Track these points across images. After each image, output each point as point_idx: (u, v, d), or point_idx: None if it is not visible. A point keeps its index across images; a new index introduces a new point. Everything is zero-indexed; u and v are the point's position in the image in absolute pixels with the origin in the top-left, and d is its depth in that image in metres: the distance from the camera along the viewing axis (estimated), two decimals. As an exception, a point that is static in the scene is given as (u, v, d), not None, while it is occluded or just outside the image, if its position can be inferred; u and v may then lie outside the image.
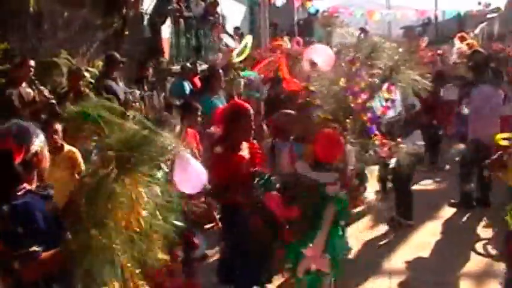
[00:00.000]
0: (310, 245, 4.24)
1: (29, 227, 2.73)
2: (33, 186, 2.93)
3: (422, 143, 7.43)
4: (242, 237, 4.57)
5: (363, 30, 17.50)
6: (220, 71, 9.40)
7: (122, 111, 3.43)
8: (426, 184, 9.82)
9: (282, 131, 5.43)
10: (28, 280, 2.69)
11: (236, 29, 19.59)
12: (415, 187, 9.18)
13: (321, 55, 4.72)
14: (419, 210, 7.97)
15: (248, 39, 11.72)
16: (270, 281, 5.01)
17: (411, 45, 4.85)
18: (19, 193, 2.82)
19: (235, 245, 4.66)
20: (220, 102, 8.34)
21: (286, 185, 4.43)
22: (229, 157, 4.61)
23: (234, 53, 11.42)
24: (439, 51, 17.47)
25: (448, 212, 8.10)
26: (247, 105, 5.07)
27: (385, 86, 4.27)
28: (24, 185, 2.88)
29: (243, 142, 4.85)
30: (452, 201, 8.33)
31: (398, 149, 4.49)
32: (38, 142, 3.00)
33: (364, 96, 4.25)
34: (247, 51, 11.34)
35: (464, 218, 7.81)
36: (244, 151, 4.81)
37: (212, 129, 5.24)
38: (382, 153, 4.43)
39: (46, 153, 3.09)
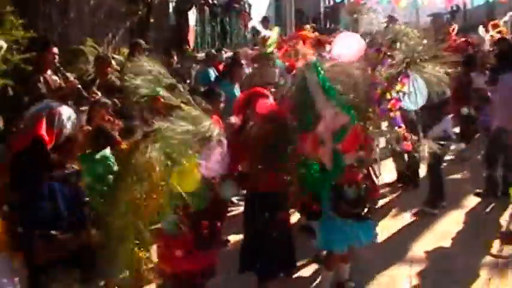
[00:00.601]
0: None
1: (51, 210, 2.78)
2: (62, 170, 2.97)
3: (453, 130, 7.37)
4: (267, 224, 4.57)
5: (391, 18, 17.10)
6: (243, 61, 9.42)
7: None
8: (452, 173, 9.71)
9: None
10: (45, 260, 2.74)
11: (265, 18, 19.52)
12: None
13: (348, 45, 4.65)
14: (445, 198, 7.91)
15: (276, 31, 11.68)
16: (294, 269, 5.00)
17: (439, 33, 4.79)
18: (47, 177, 2.86)
19: (260, 232, 4.65)
20: (237, 92, 8.34)
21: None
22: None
23: (269, 43, 11.39)
24: (470, 39, 17.18)
25: (472, 201, 8.01)
26: (264, 90, 5.05)
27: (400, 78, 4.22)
28: (54, 169, 2.93)
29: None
30: (477, 190, 8.23)
31: (421, 144, 4.47)
32: (70, 124, 3.06)
33: (382, 87, 4.21)
34: (274, 42, 11.30)
35: (489, 208, 7.71)
36: None
37: (232, 118, 5.21)
38: (404, 146, 4.40)
39: (79, 134, 3.12)
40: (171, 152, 2.89)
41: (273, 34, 11.45)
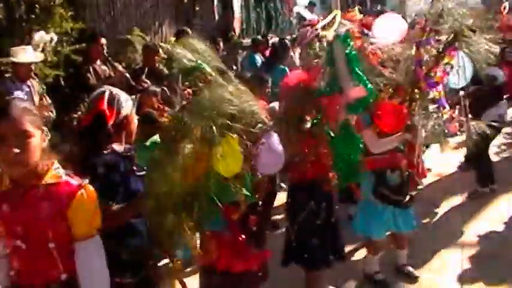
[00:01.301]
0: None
1: (107, 183, 2.96)
2: (120, 147, 3.15)
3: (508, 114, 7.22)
4: (312, 217, 4.53)
5: None
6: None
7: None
8: (507, 156, 9.50)
9: None
10: (104, 230, 2.86)
11: (310, 3, 19.38)
12: (497, 157, 8.95)
13: (389, 26, 4.57)
14: (497, 182, 7.76)
15: (337, 13, 11.52)
16: (342, 259, 4.93)
17: (489, 12, 4.66)
18: (105, 151, 3.06)
19: (306, 225, 4.59)
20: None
21: None
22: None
23: (319, 26, 11.25)
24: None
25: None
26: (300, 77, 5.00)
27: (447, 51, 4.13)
28: (113, 145, 3.10)
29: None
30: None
31: (470, 125, 4.38)
32: (128, 106, 3.24)
33: (429, 64, 4.13)
34: (335, 26, 11.14)
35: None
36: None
37: (274, 104, 5.17)
38: (450, 128, 4.32)
39: (134, 116, 3.32)
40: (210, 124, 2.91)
41: (330, 16, 11.33)
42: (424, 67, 4.14)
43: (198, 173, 2.95)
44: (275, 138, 3.38)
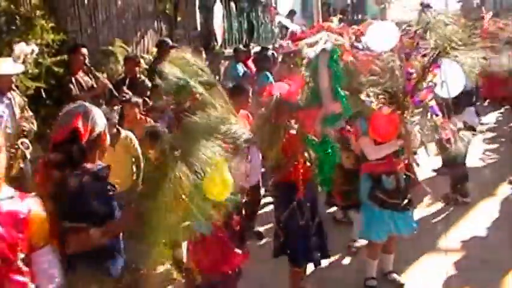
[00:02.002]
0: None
1: (80, 204, 2.92)
2: (93, 165, 3.09)
3: (477, 120, 7.32)
4: (295, 216, 4.61)
5: (424, 5, 16.61)
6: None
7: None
8: (487, 161, 9.61)
9: None
10: (73, 253, 2.85)
11: (292, 12, 19.44)
12: (475, 164, 9.05)
13: (383, 34, 4.61)
14: (478, 187, 7.83)
15: (325, 35, 11.53)
16: (326, 257, 5.03)
17: (468, 19, 4.72)
18: (78, 171, 2.98)
19: (289, 224, 4.69)
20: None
21: None
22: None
23: (304, 42, 11.27)
24: (501, 25, 16.82)
25: (507, 189, 7.91)
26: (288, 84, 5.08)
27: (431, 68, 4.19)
28: (86, 163, 3.05)
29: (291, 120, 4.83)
30: None
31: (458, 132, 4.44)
32: (102, 123, 3.19)
33: (415, 76, 4.19)
34: (320, 45, 11.16)
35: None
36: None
37: (264, 109, 5.25)
38: (444, 135, 4.37)
39: (107, 134, 3.28)
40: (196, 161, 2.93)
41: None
42: (411, 79, 4.19)
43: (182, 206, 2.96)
44: (256, 153, 3.47)
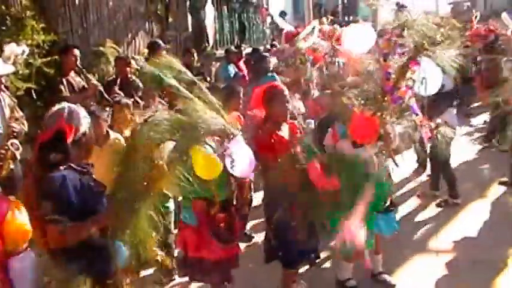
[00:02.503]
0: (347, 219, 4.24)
1: (62, 198, 2.98)
2: (77, 164, 3.17)
3: (456, 122, 7.36)
4: (286, 218, 4.59)
5: (399, 5, 16.70)
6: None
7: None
8: (477, 162, 9.65)
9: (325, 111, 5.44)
10: (56, 247, 2.92)
11: (282, 13, 19.48)
12: (466, 165, 9.09)
13: (357, 37, 4.62)
14: (469, 188, 7.87)
15: (315, 25, 11.52)
16: (317, 258, 5.03)
17: (458, 21, 4.72)
18: (62, 167, 3.07)
19: (280, 225, 4.67)
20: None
21: (329, 158, 4.44)
22: (267, 137, 4.62)
23: (300, 37, 11.27)
24: (491, 27, 16.91)
25: (498, 190, 7.94)
26: (281, 86, 5.08)
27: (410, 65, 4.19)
28: (71, 164, 3.13)
29: (282, 123, 4.84)
30: (502, 179, 8.15)
31: (438, 130, 4.44)
32: (86, 123, 3.27)
33: (393, 76, 4.18)
34: (314, 38, 11.13)
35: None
36: (284, 132, 4.82)
37: (254, 111, 5.26)
38: (423, 134, 4.36)
39: (92, 134, 3.37)
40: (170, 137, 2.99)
41: (309, 28, 11.35)
42: (390, 79, 4.18)
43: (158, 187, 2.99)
44: (240, 142, 3.49)
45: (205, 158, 3.07)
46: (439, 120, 6.10)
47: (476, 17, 16.16)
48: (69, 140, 3.11)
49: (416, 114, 4.32)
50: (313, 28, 10.94)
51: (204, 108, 3.34)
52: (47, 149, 3.10)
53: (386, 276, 5.43)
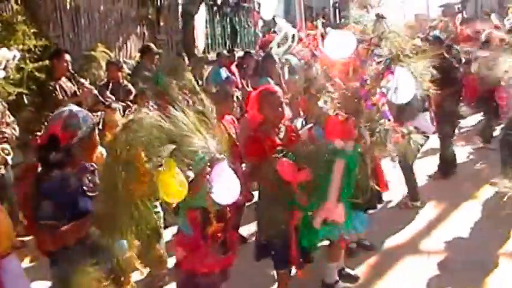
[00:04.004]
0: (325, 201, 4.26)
1: (54, 202, 3.03)
2: (72, 168, 3.19)
3: (430, 125, 7.40)
4: (277, 220, 4.58)
5: (378, 16, 16.70)
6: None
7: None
8: (469, 163, 9.70)
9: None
10: (49, 249, 3.00)
11: (274, 17, 19.50)
12: (459, 166, 9.12)
13: (339, 43, 4.64)
14: (459, 189, 7.91)
15: (293, 32, 11.57)
16: (309, 261, 5.01)
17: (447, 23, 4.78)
18: (56, 172, 3.11)
19: (272, 227, 4.66)
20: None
21: (298, 153, 4.46)
22: (259, 140, 4.61)
23: (274, 43, 11.32)
24: (478, 29, 17.06)
25: (489, 191, 7.98)
26: (274, 88, 5.08)
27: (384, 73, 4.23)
28: (64, 168, 3.15)
29: (278, 125, 4.83)
30: (494, 180, 8.18)
31: (408, 137, 4.46)
32: (85, 128, 3.26)
33: (368, 83, 4.22)
34: (292, 45, 11.17)
35: (506, 198, 7.64)
36: (280, 134, 4.80)
37: (247, 115, 5.27)
38: (394, 139, 4.38)
39: (95, 137, 3.38)
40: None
41: (281, 34, 11.41)
42: (365, 86, 4.23)
43: (142, 192, 2.98)
44: (225, 168, 3.49)
45: (173, 179, 3.05)
46: (411, 127, 6.18)
47: (458, 19, 16.38)
48: (64, 144, 3.13)
49: (388, 120, 4.35)
50: (293, 36, 11.00)
51: (197, 123, 3.32)
52: (43, 152, 3.14)
53: (349, 270, 5.50)
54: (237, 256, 4.40)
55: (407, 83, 4.25)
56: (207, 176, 3.40)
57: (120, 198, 2.88)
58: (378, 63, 4.23)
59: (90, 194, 3.20)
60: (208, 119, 3.56)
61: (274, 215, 4.51)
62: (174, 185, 3.00)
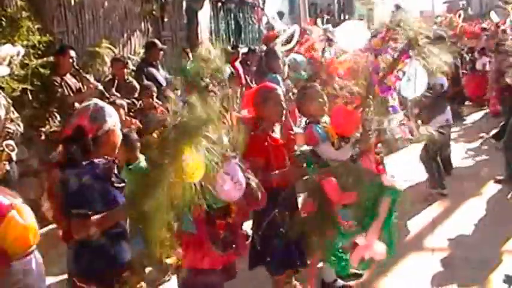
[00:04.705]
0: (364, 234, 4.23)
1: (83, 193, 3.10)
2: (99, 159, 3.27)
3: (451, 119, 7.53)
4: (276, 224, 4.54)
5: (397, 6, 16.98)
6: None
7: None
8: (472, 160, 9.70)
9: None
10: (80, 238, 3.06)
11: (280, 13, 19.48)
12: (460, 163, 9.13)
13: (352, 34, 4.60)
14: (464, 186, 7.91)
15: (295, 29, 11.53)
16: (305, 266, 4.95)
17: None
18: (84, 163, 3.19)
19: (269, 232, 4.61)
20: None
21: (337, 170, 4.41)
22: (261, 139, 4.57)
23: (279, 41, 11.28)
24: (484, 25, 17.04)
25: (493, 188, 7.98)
26: (274, 86, 5.00)
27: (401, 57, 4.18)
28: (92, 159, 3.25)
29: (276, 124, 4.78)
30: (498, 177, 8.19)
31: (421, 131, 4.44)
32: (111, 121, 3.36)
33: (384, 69, 4.19)
34: (294, 42, 11.15)
35: (510, 195, 7.64)
36: (277, 133, 4.76)
37: (244, 112, 5.20)
38: (401, 132, 4.35)
39: (118, 131, 3.46)
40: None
41: (288, 31, 11.37)
42: (380, 74, 4.20)
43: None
44: (236, 168, 3.48)
45: (195, 160, 3.03)
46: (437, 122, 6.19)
47: (460, 15, 16.39)
48: (91, 136, 3.23)
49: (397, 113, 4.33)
50: (293, 33, 10.99)
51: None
52: (68, 144, 3.23)
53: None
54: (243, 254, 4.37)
55: (420, 77, 4.20)
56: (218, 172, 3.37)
57: (162, 196, 2.89)
58: (394, 49, 4.19)
59: (117, 185, 3.27)
60: (227, 113, 3.60)
61: (274, 218, 4.50)
62: (192, 165, 2.99)
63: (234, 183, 3.53)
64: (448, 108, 7.56)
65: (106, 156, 3.34)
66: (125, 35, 10.54)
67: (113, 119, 3.39)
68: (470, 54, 15.29)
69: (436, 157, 7.73)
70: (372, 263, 4.43)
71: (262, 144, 4.50)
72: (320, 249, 4.56)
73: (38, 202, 3.55)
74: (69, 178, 3.10)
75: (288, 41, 11.19)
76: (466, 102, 14.51)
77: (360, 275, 5.49)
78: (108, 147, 3.36)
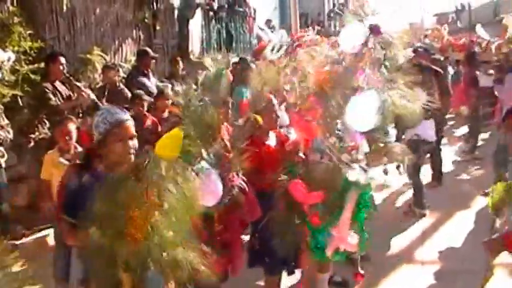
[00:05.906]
0: (335, 227, 4.24)
1: (78, 202, 3.02)
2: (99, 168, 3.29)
3: (433, 134, 7.48)
4: (270, 222, 4.56)
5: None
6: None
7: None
8: (460, 173, 9.74)
9: None
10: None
11: (268, 21, 19.53)
12: (450, 176, 9.17)
13: (353, 35, 4.58)
14: (453, 199, 7.93)
15: (281, 34, 11.57)
16: (298, 267, 5.01)
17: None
18: (82, 173, 3.24)
19: (266, 233, 4.65)
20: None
21: (308, 172, 4.42)
22: (256, 146, 4.59)
23: (268, 49, 11.30)
24: (473, 38, 17.22)
25: (483, 200, 8.00)
26: (269, 95, 5.06)
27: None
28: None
29: (270, 131, 4.86)
30: (486, 190, 8.20)
31: (384, 153, 4.39)
32: (103, 126, 3.31)
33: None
34: (283, 49, 11.19)
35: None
36: (272, 140, 4.84)
37: (240, 121, 5.25)
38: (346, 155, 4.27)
39: (127, 127, 3.40)
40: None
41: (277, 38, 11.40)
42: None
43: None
44: (213, 177, 3.45)
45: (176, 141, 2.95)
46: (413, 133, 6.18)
47: (445, 29, 16.62)
48: (87, 143, 3.46)
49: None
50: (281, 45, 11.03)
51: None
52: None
53: (338, 277, 5.52)
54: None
55: (372, 110, 4.08)
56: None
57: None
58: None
59: None
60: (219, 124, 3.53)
61: (284, 230, 4.49)
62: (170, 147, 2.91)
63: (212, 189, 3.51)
64: (423, 122, 7.08)
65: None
66: (117, 42, 10.53)
67: (104, 126, 3.34)
68: (456, 67, 15.43)
69: (418, 172, 7.67)
70: (348, 253, 4.49)
71: (256, 152, 4.51)
72: (295, 247, 4.56)
73: (26, 208, 3.55)
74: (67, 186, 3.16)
75: (277, 49, 11.21)
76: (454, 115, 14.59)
77: (347, 284, 5.51)
78: (105, 155, 3.33)
